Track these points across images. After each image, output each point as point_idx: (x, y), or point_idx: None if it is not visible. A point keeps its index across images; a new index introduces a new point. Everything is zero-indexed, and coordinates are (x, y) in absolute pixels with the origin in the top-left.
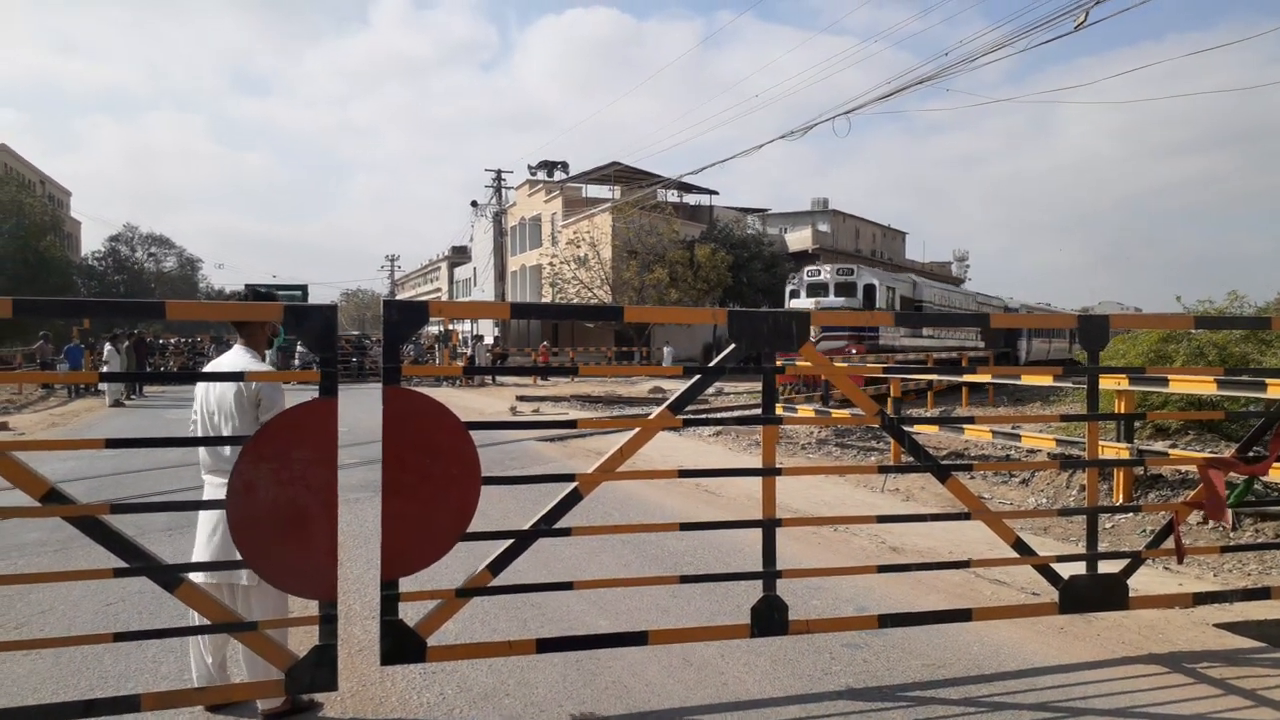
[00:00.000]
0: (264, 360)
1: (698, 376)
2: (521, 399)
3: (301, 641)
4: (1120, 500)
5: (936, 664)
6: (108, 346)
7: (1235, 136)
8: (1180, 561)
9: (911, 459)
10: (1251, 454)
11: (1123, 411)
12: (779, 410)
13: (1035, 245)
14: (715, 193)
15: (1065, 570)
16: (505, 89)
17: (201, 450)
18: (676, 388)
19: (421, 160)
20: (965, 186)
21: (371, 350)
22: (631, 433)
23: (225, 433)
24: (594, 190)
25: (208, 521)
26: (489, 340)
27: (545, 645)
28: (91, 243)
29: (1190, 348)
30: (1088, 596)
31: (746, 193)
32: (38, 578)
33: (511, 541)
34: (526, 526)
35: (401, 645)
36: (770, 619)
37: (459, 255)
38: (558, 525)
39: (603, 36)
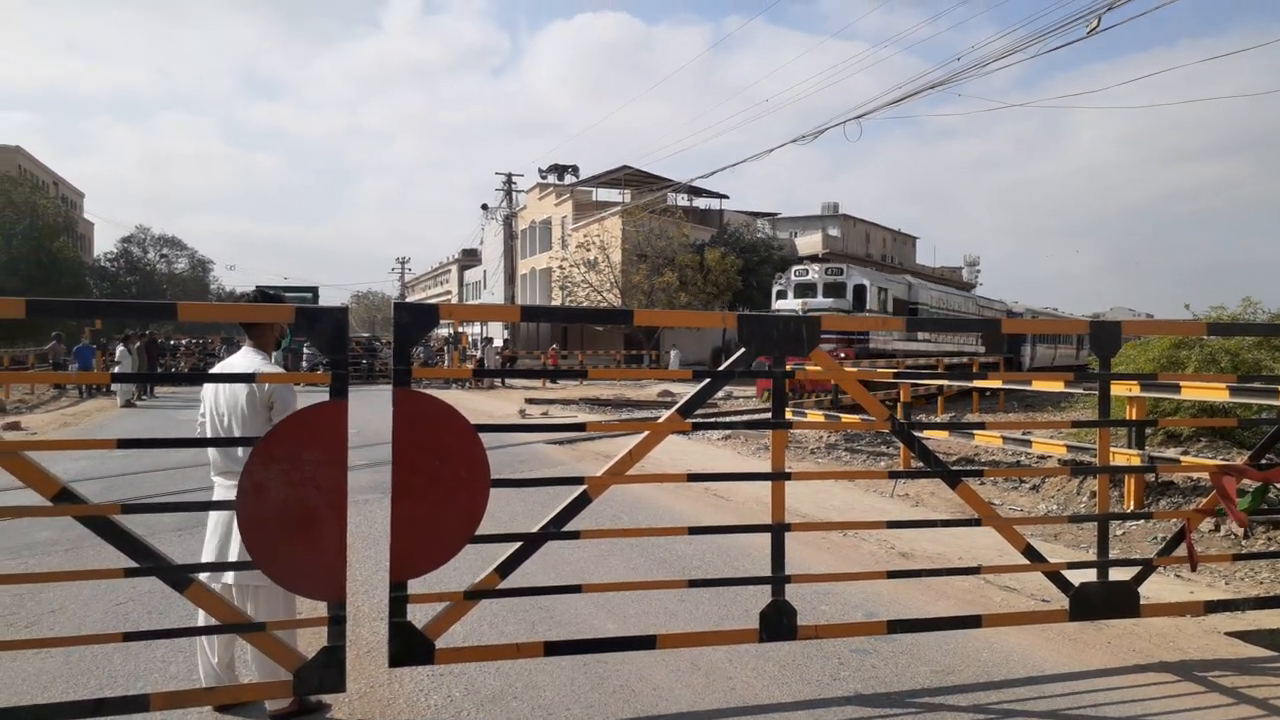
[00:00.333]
0: (272, 361)
1: (707, 380)
2: (531, 402)
3: (310, 643)
4: (1131, 507)
5: (946, 670)
6: (120, 347)
7: (1249, 142)
8: (1193, 569)
9: (921, 464)
10: (1264, 461)
11: (1134, 418)
12: (788, 414)
13: (1046, 250)
14: (725, 197)
15: (1076, 577)
16: (515, 93)
17: (212, 451)
18: (685, 391)
19: (432, 164)
20: (976, 192)
21: (381, 352)
22: (641, 436)
23: (236, 434)
24: (604, 194)
25: (217, 522)
26: (498, 343)
27: (553, 648)
28: (104, 244)
29: (1202, 354)
30: (1099, 603)
31: (757, 197)
32: (48, 577)
33: (520, 544)
34: (535, 529)
35: (410, 647)
36: (779, 624)
37: (469, 258)
38: (566, 528)
39: (612, 41)
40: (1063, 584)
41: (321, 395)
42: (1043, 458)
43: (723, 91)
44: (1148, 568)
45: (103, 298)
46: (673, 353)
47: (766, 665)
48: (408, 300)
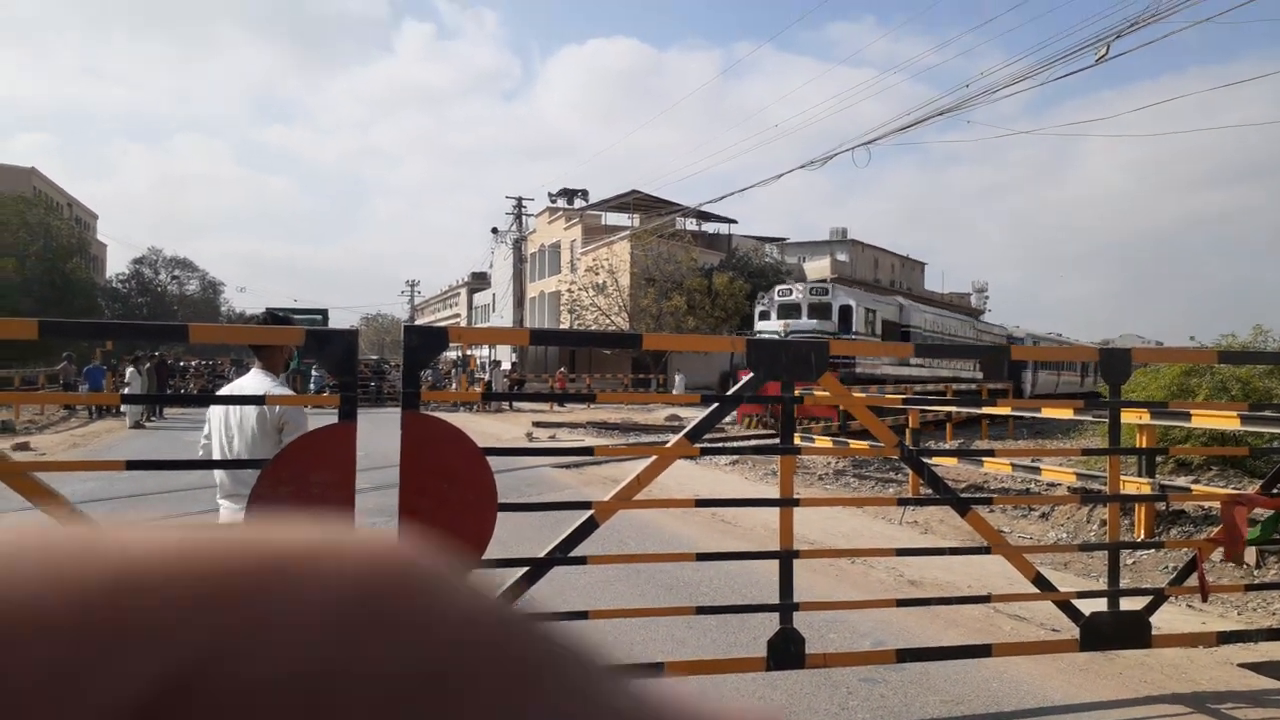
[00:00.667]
0: (285, 385)
1: (715, 405)
2: (538, 425)
3: None
4: (1142, 536)
5: (955, 700)
6: (130, 368)
7: (1259, 170)
8: (1205, 599)
9: (930, 491)
10: (1277, 490)
11: (1144, 446)
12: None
13: (1055, 277)
14: (734, 221)
15: (1087, 606)
16: (526, 117)
17: (218, 474)
18: (692, 415)
19: (442, 187)
20: (985, 218)
21: (390, 375)
22: (648, 460)
23: (245, 457)
24: (613, 218)
25: None
26: (506, 366)
27: None
28: (117, 265)
29: (1213, 382)
30: (1109, 634)
31: (765, 222)
32: None
33: (527, 569)
34: (542, 554)
35: None
36: (787, 652)
37: (478, 281)
38: (574, 553)
39: (623, 67)
40: (1073, 613)
41: (330, 417)
42: (1052, 485)
43: (732, 117)
44: (1159, 597)
45: (114, 319)
46: (677, 376)
47: (774, 694)
48: (417, 323)
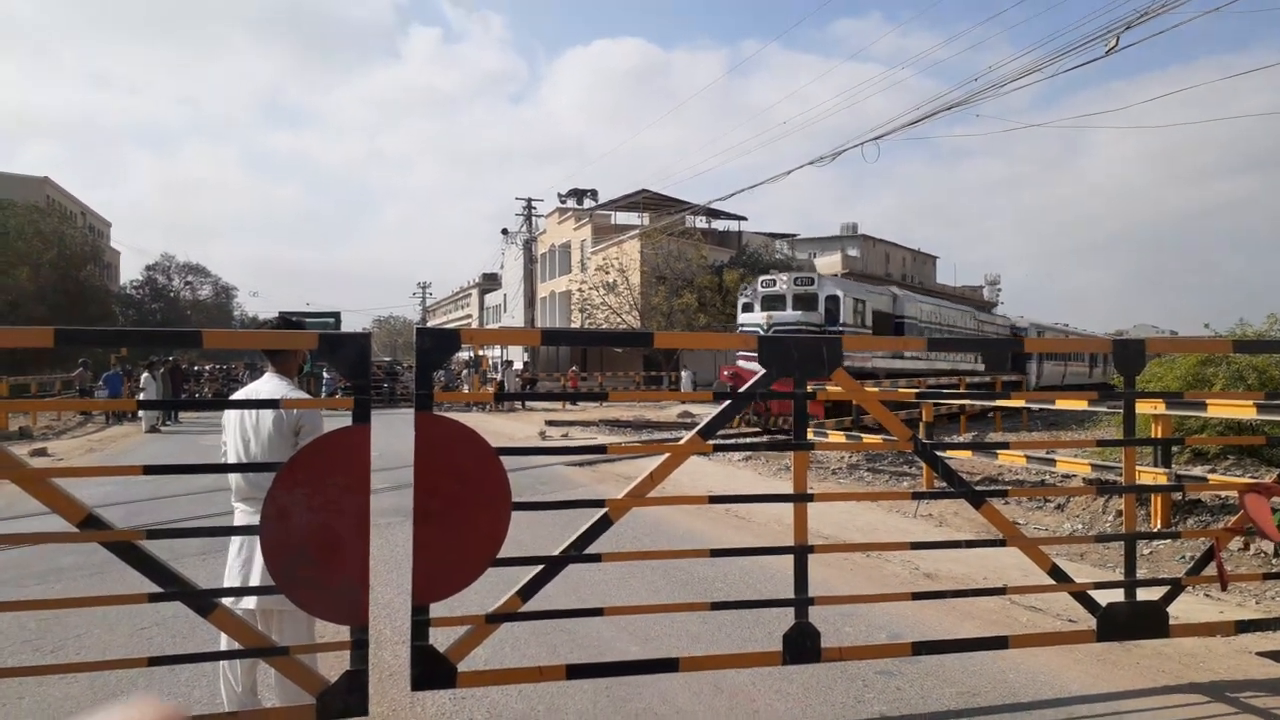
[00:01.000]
0: (299, 388)
1: (728, 402)
2: (551, 423)
3: (332, 666)
4: (1158, 526)
5: (971, 692)
6: (145, 374)
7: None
8: (1224, 589)
9: (945, 485)
10: None
11: (1160, 436)
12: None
13: (1068, 269)
14: (744, 218)
15: (1103, 597)
16: (534, 119)
17: (234, 477)
18: (705, 412)
19: (452, 189)
20: (997, 211)
21: (403, 376)
22: (661, 458)
23: (262, 460)
24: (623, 217)
25: (240, 547)
26: (518, 366)
27: (575, 671)
28: (130, 272)
29: (1229, 371)
30: (1127, 624)
31: (775, 218)
32: (74, 602)
33: (542, 567)
34: (557, 552)
35: (432, 671)
36: (802, 646)
37: (489, 282)
38: (588, 551)
39: (630, 67)
40: (1090, 604)
41: (344, 420)
42: (1067, 476)
43: (740, 115)
44: (1176, 587)
45: (128, 325)
46: (684, 373)
47: (790, 688)
48: (429, 324)
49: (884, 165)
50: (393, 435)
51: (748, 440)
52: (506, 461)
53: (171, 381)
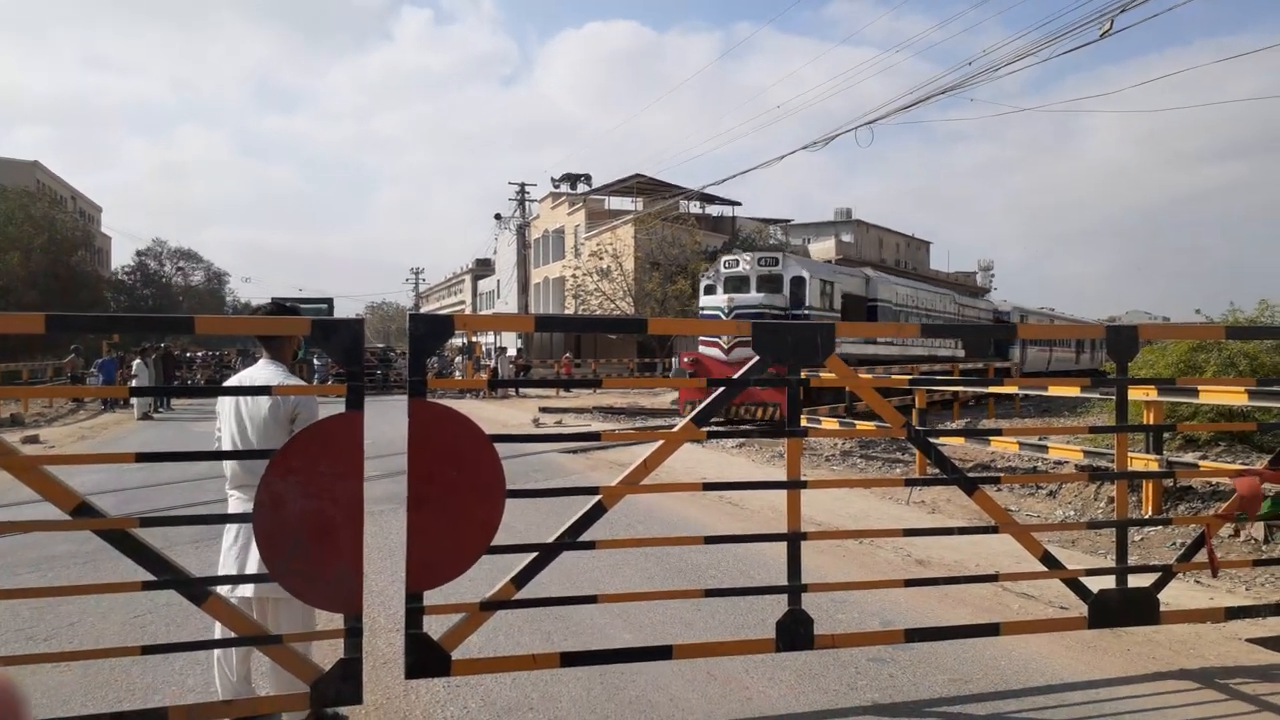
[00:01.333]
0: (293, 374)
1: (721, 389)
2: (544, 410)
3: (326, 655)
4: (1149, 513)
5: (963, 679)
6: (137, 361)
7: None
8: (1215, 575)
9: (938, 471)
10: None
11: (1152, 423)
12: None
13: (1062, 254)
14: (738, 204)
15: (1095, 584)
16: (526, 102)
17: (228, 465)
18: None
19: (445, 174)
20: (990, 196)
21: (396, 362)
22: (655, 445)
23: (258, 448)
24: (616, 202)
25: (235, 535)
26: (512, 352)
27: (569, 659)
28: (122, 257)
29: (1221, 358)
30: (1118, 610)
31: (770, 203)
32: (67, 590)
33: (536, 555)
34: (551, 540)
35: (426, 659)
36: (795, 633)
37: (483, 268)
38: (582, 538)
39: (623, 49)
40: (1081, 591)
41: (337, 407)
42: (1059, 463)
43: (734, 98)
44: (1167, 574)
45: (120, 311)
46: (673, 360)
47: (783, 675)
48: (422, 310)
49: (878, 150)
50: (385, 422)
51: (741, 427)
52: (500, 449)
53: (164, 368)
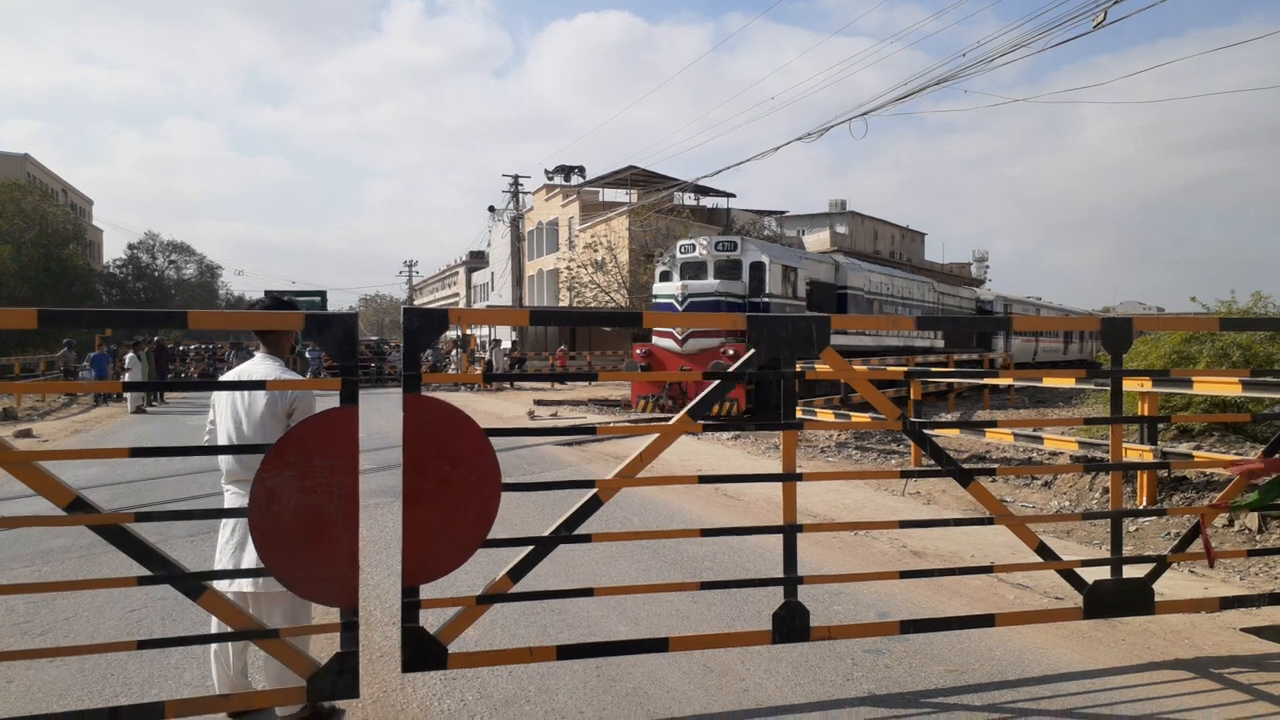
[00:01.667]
0: (289, 368)
1: (716, 382)
2: (539, 403)
3: (323, 648)
4: (1144, 503)
5: (959, 670)
6: (130, 354)
7: (1258, 134)
8: (1211, 565)
9: (933, 463)
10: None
11: (1146, 414)
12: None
13: (1057, 244)
14: (732, 195)
15: (1090, 575)
16: (518, 95)
17: (224, 459)
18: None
19: (437, 166)
20: (985, 187)
21: (390, 355)
22: (651, 438)
23: (254, 442)
24: (610, 194)
25: (231, 529)
26: (507, 344)
27: (566, 652)
28: (114, 250)
29: (1214, 349)
30: (1113, 601)
31: (764, 195)
32: (62, 586)
33: (532, 548)
34: (547, 532)
35: (422, 652)
36: (791, 625)
37: (476, 260)
38: (578, 531)
39: (615, 41)
40: (1076, 582)
41: (332, 400)
42: (1054, 454)
43: (728, 90)
44: (1162, 564)
45: (113, 304)
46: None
47: (779, 666)
48: (416, 303)
49: (872, 141)
50: (379, 415)
51: (737, 421)
52: (495, 442)
53: (156, 361)
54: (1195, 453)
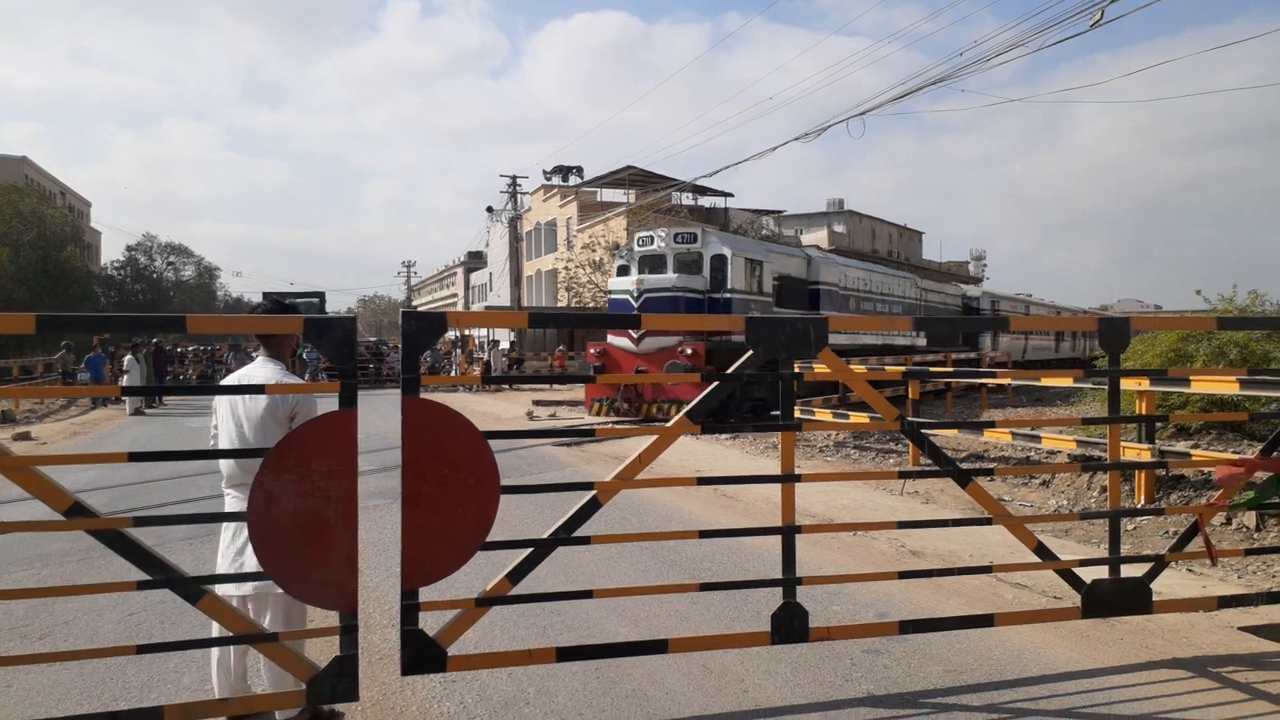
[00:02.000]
0: (291, 372)
1: (715, 383)
2: (538, 403)
3: (322, 651)
4: (1142, 502)
5: (958, 670)
6: (128, 356)
7: (1255, 132)
8: (1213, 564)
9: (931, 463)
10: (1277, 454)
11: (1144, 413)
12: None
13: (1054, 244)
14: (730, 195)
15: (1088, 574)
16: (515, 95)
17: (224, 463)
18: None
19: (435, 167)
20: (982, 186)
21: (389, 357)
22: (650, 439)
23: (256, 446)
24: (608, 194)
25: (231, 534)
26: (505, 345)
27: (565, 654)
28: (112, 252)
29: (1211, 347)
30: (1111, 600)
31: (762, 194)
32: (61, 591)
33: (531, 550)
34: (545, 534)
35: (422, 655)
36: (790, 626)
37: (475, 260)
38: (577, 533)
39: (612, 41)
40: (1075, 581)
41: (331, 403)
42: (1052, 453)
43: (725, 89)
44: (1160, 563)
45: (111, 307)
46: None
47: (779, 667)
48: (414, 304)
49: (870, 141)
50: (378, 417)
51: (735, 422)
52: (494, 443)
53: (155, 363)
54: (1193, 451)
